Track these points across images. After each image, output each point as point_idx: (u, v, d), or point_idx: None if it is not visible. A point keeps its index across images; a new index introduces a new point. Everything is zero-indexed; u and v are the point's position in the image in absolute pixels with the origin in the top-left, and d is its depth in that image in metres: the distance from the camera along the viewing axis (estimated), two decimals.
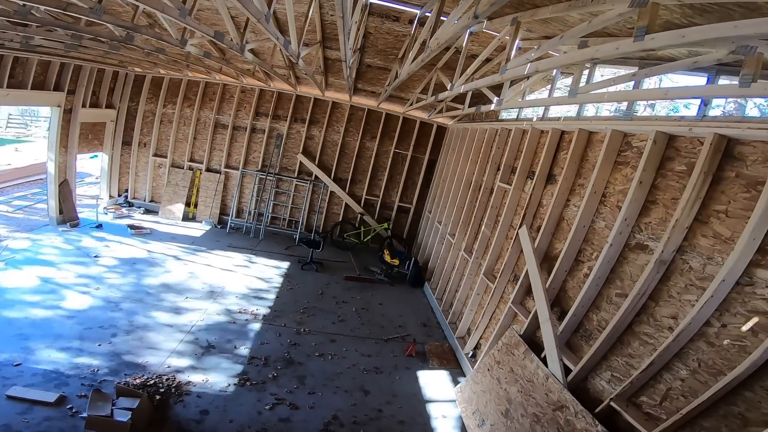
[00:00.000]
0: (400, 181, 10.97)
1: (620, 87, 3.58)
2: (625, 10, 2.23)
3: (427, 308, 8.01)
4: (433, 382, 5.48)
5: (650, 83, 4.38)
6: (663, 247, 3.09)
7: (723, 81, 3.03)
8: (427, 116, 10.26)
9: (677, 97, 2.84)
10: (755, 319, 2.48)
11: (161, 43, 5.61)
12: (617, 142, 4.00)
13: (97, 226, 8.64)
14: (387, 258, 9.48)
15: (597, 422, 3.14)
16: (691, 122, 3.09)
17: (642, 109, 4.97)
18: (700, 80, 3.27)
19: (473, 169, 7.48)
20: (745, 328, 2.53)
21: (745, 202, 2.73)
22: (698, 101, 3.14)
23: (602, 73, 4.66)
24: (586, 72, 4.32)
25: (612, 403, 3.14)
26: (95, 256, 7.23)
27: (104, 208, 9.93)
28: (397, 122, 10.66)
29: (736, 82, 1.95)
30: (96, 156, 12.25)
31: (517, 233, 5.32)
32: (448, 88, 5.25)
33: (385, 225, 10.77)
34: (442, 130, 10.76)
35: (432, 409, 4.91)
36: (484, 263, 6.18)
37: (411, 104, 8.69)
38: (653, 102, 5.15)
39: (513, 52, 3.50)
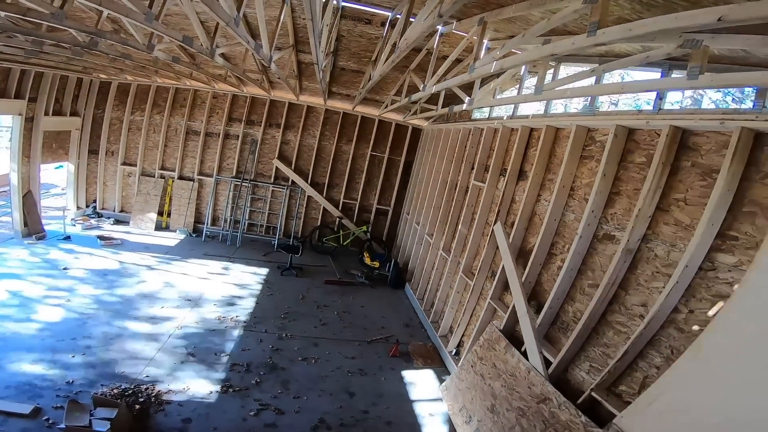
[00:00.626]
0: (378, 183, 11.01)
1: (584, 84, 3.73)
2: (580, 6, 2.35)
3: (409, 309, 8.06)
4: (419, 381, 5.51)
5: (612, 81, 4.56)
6: (628, 237, 3.22)
7: (675, 75, 3.21)
8: (402, 118, 10.36)
9: (632, 90, 2.99)
10: (720, 304, 2.57)
11: (127, 49, 5.48)
12: (582, 137, 4.16)
13: (64, 238, 8.33)
14: (367, 261, 9.50)
15: (580, 413, 3.18)
16: (648, 116, 3.26)
17: (606, 106, 5.18)
18: (655, 75, 3.45)
19: (448, 169, 7.59)
20: (711, 312, 2.62)
21: (702, 189, 2.88)
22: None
23: (567, 72, 4.84)
24: (551, 71, 4.48)
25: (593, 393, 3.18)
26: (64, 269, 6.97)
27: (72, 219, 9.57)
28: (372, 125, 10.71)
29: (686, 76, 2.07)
30: (61, 166, 11.81)
31: (493, 230, 5.43)
32: (421, 88, 5.34)
33: (364, 228, 10.78)
34: (417, 131, 10.88)
35: (419, 408, 4.93)
36: (462, 261, 6.28)
37: (386, 107, 8.77)
38: (617, 100, 5.38)
39: (482, 52, 3.60)
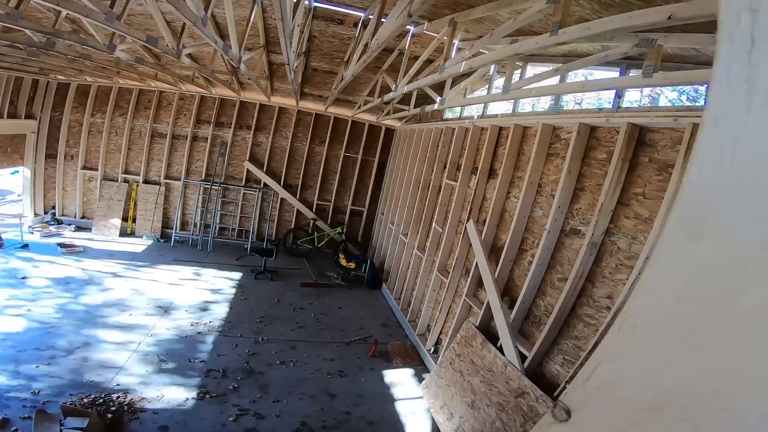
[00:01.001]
0: (352, 184, 11.00)
1: (548, 83, 3.87)
2: (543, 6, 2.45)
3: (387, 309, 8.09)
4: (399, 380, 5.53)
5: (576, 81, 4.76)
6: (593, 231, 3.36)
7: (632, 74, 3.39)
8: (375, 119, 10.40)
9: (592, 89, 3.13)
10: None
11: (87, 49, 5.27)
12: (548, 136, 4.31)
13: (22, 246, 7.89)
14: (343, 262, 9.46)
15: None
16: (608, 114, 3.43)
17: (571, 105, 5.39)
18: (615, 75, 3.63)
19: (422, 169, 7.67)
20: None
21: (659, 183, 3.05)
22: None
23: (534, 72, 5.01)
24: (518, 71, 4.63)
25: (567, 386, 3.29)
26: (23, 278, 6.61)
27: (29, 227, 9.06)
28: (345, 126, 10.69)
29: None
30: (17, 171, 11.20)
31: (465, 227, 5.54)
32: (393, 89, 5.38)
33: (339, 229, 10.74)
34: (390, 132, 10.93)
35: (400, 407, 4.94)
36: (437, 260, 6.36)
37: (359, 107, 8.78)
38: (581, 99, 5.60)
39: (453, 52, 3.68)
